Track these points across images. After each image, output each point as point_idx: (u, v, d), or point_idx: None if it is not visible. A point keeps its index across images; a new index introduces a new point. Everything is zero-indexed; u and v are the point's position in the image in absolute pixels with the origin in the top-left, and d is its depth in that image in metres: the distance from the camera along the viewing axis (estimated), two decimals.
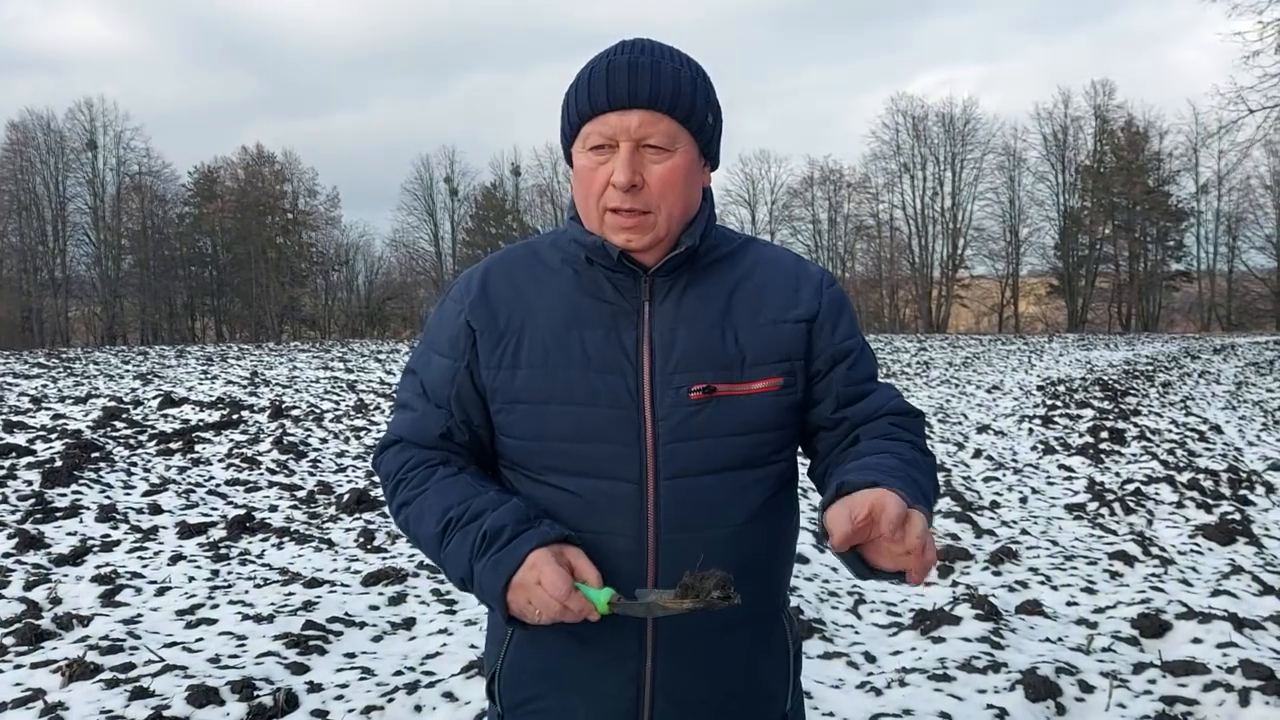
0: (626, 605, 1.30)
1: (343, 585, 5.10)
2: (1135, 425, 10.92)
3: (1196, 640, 4.19)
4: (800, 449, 1.56)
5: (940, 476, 8.33)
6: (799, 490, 1.58)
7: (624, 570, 1.38)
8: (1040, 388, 16.01)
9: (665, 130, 1.37)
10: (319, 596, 4.86)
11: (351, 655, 4.13)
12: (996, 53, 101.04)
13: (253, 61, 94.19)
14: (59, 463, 7.81)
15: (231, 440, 9.50)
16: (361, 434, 10.46)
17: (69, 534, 6.19)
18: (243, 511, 6.84)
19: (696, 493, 1.40)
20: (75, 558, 5.66)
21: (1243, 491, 7.65)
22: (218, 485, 7.82)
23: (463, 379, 1.46)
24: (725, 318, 1.44)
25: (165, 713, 3.40)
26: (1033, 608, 4.70)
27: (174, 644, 4.19)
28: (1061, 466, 8.99)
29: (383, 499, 7.25)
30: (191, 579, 5.29)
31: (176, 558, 5.70)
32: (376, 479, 8.17)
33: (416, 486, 1.46)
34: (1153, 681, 3.79)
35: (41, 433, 9.36)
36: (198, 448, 9.03)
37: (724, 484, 1.41)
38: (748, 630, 1.32)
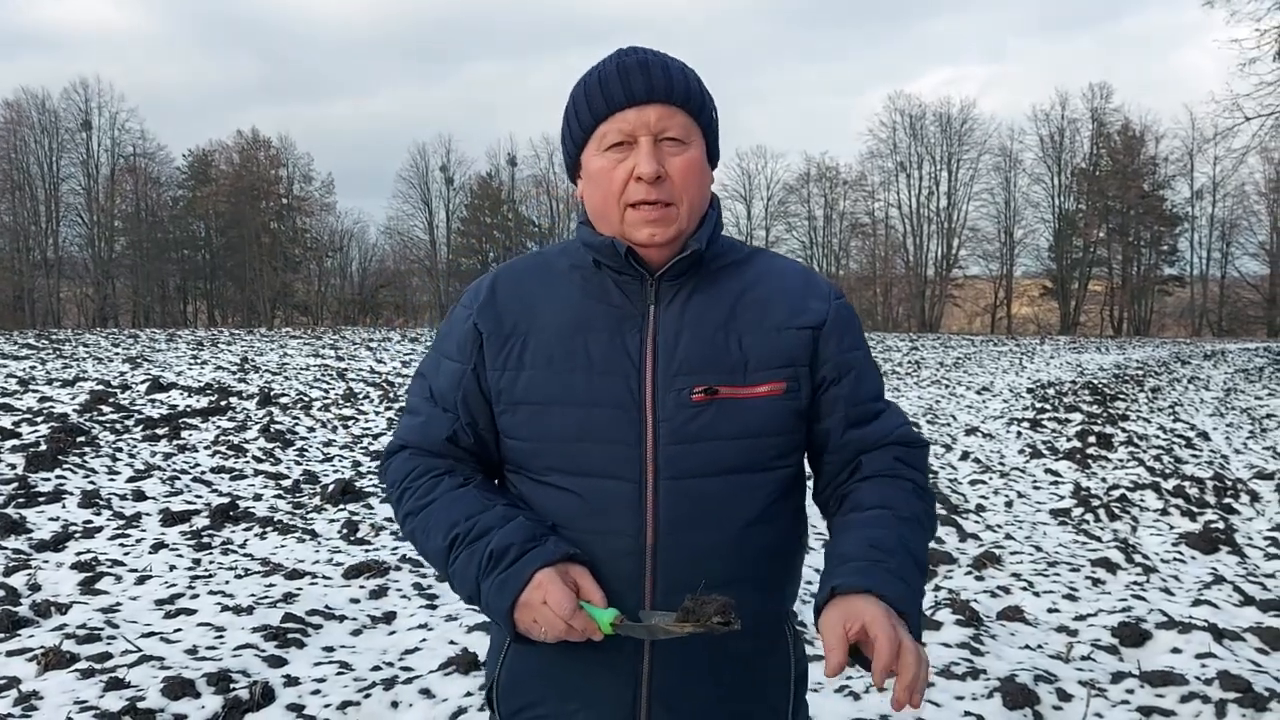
0: (629, 627, 1.32)
1: (324, 577, 5.08)
2: (1123, 430, 10.94)
3: (1176, 650, 4.20)
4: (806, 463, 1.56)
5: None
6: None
7: (623, 570, 1.39)
8: (1030, 390, 16.04)
9: (681, 123, 1.42)
10: (299, 588, 4.84)
11: (330, 649, 4.11)
12: (1000, 54, 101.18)
13: (251, 44, 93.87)
14: (43, 446, 7.78)
15: (218, 427, 9.46)
16: (350, 423, 10.42)
17: (51, 519, 6.16)
18: (227, 500, 6.81)
19: (697, 494, 1.40)
20: (56, 544, 5.63)
21: (1227, 500, 7.67)
22: (203, 472, 7.79)
23: (469, 381, 1.49)
24: (730, 322, 1.45)
25: (140, 704, 3.38)
26: (1014, 614, 4.70)
27: (152, 634, 4.17)
28: (1048, 471, 9.00)
29: (368, 490, 7.24)
30: (172, 568, 5.26)
31: (158, 546, 5.67)
32: (363, 470, 8.17)
33: (423, 496, 1.47)
34: (1130, 691, 3.79)
35: (27, 415, 9.32)
36: (184, 434, 8.99)
37: (726, 487, 1.42)
38: (747, 638, 1.32)
